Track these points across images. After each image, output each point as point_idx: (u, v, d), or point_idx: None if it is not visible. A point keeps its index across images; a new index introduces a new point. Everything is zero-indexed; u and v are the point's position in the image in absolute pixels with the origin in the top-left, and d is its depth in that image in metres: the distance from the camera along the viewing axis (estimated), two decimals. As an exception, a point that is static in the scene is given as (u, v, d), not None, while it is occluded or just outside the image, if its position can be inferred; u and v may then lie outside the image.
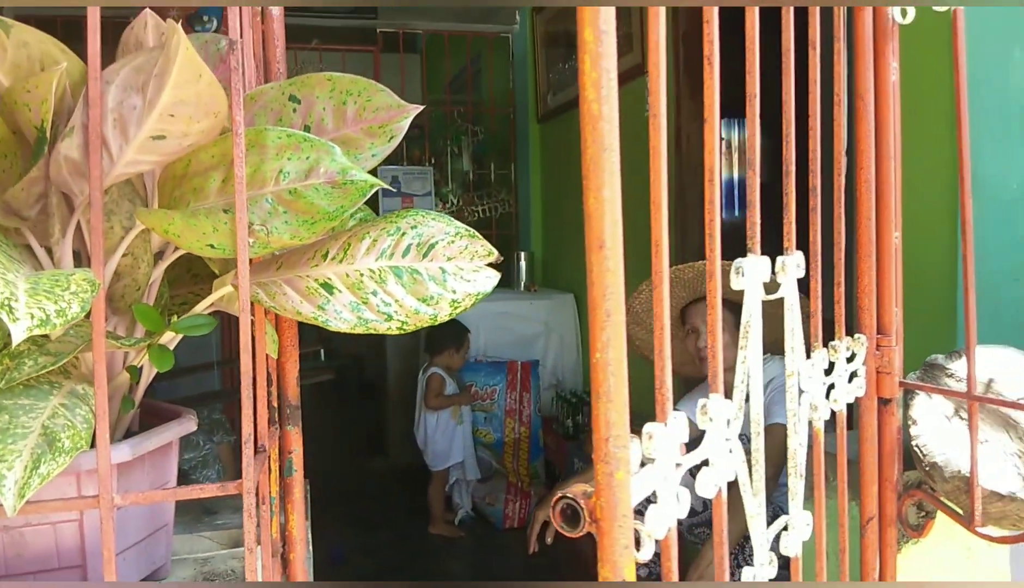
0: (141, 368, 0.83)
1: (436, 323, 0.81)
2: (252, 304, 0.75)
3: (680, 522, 2.12)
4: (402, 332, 0.79)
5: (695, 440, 2.08)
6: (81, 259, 0.81)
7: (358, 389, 5.42)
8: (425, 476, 3.56)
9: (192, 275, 0.95)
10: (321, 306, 0.76)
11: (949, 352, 1.24)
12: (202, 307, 0.81)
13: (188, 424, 0.86)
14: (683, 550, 2.61)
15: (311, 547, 1.07)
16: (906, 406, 1.18)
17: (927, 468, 1.11)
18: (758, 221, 0.81)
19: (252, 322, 0.72)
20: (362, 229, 0.82)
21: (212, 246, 0.74)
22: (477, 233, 0.85)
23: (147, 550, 0.85)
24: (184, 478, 2.84)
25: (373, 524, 3.35)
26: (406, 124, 0.89)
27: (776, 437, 2.14)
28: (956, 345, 1.65)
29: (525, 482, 3.37)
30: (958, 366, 1.20)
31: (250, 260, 0.74)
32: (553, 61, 4.02)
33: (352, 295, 0.78)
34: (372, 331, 0.77)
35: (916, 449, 1.13)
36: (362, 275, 0.79)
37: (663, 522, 0.62)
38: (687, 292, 2.29)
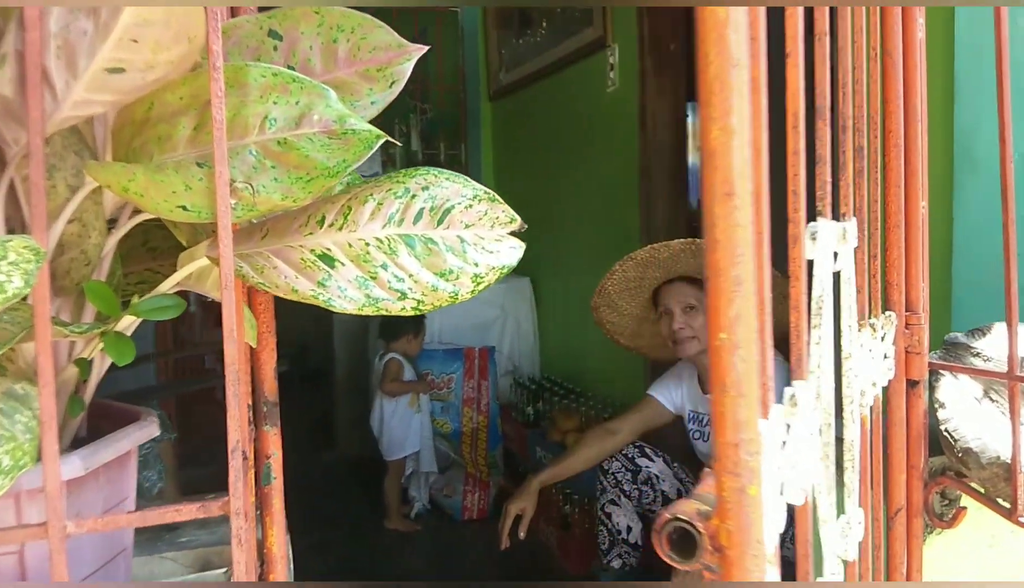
0: (91, 361, 0.68)
1: (456, 301, 0.68)
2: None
3: (652, 510, 2.00)
4: (416, 313, 0.66)
5: (665, 425, 1.96)
6: (15, 228, 0.66)
7: (302, 379, 5.20)
8: (378, 468, 3.41)
9: (149, 249, 0.80)
10: (322, 282, 0.63)
11: (970, 330, 1.17)
12: (169, 285, 0.67)
13: (149, 427, 0.72)
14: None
15: (292, 564, 0.93)
16: (931, 388, 1.10)
17: (959, 454, 1.04)
18: (830, 179, 0.71)
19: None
20: (363, 191, 0.68)
21: (184, 208, 0.60)
22: (497, 196, 0.73)
23: (104, 580, 0.71)
24: (120, 479, 2.63)
25: (324, 521, 3.19)
26: (409, 67, 0.76)
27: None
28: (951, 328, 1.60)
29: (484, 472, 3.26)
30: (982, 344, 1.13)
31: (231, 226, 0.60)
32: (506, 37, 3.88)
33: (357, 269, 0.64)
34: (383, 312, 0.64)
35: (946, 434, 1.06)
36: (367, 245, 0.65)
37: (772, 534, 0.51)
38: (661, 272, 2.20)
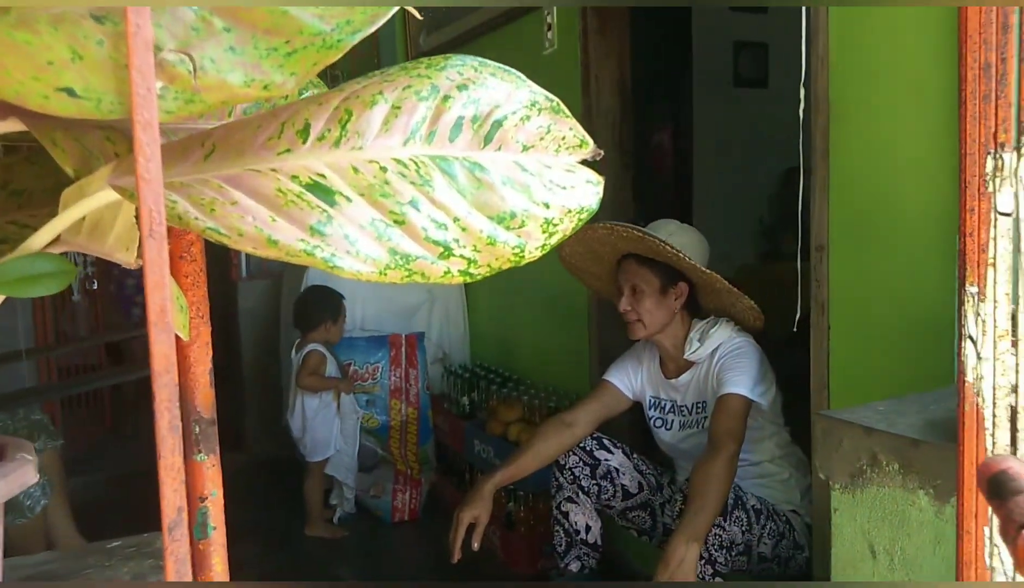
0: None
1: (521, 261, 0.44)
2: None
3: (612, 506, 1.77)
4: (468, 279, 0.41)
5: (624, 413, 1.74)
6: None
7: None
8: (295, 470, 3.09)
9: (11, 193, 0.52)
10: (317, 228, 0.37)
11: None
12: (44, 239, 0.40)
13: (21, 473, 0.44)
14: (617, 537, 2.36)
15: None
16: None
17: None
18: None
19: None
20: (368, 88, 0.43)
21: (70, 92, 0.34)
22: (562, 105, 0.49)
23: None
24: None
25: (236, 533, 2.85)
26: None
27: (734, 409, 1.91)
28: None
29: (415, 469, 3.00)
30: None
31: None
32: (426, -2, 3.60)
33: (373, 208, 0.39)
34: (417, 277, 0.39)
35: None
36: (385, 171, 0.40)
37: None
38: (608, 249, 2.01)
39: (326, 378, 2.82)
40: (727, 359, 1.92)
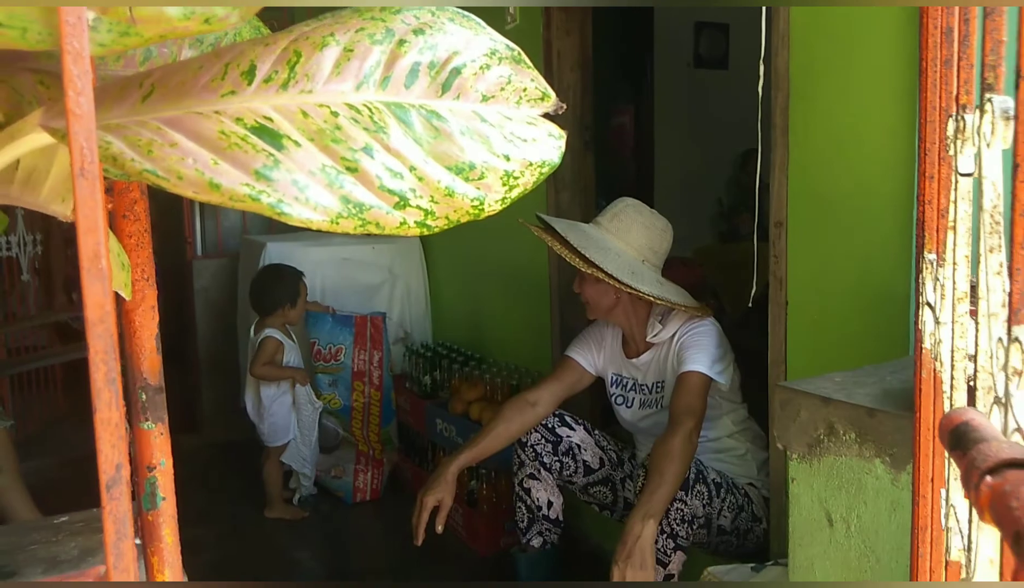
0: None
1: (480, 215, 0.42)
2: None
3: (573, 482, 1.78)
4: (425, 231, 0.40)
5: (585, 390, 1.74)
6: None
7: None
8: (249, 453, 3.06)
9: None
10: (262, 173, 0.35)
11: None
12: (-32, 183, 0.37)
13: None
14: (578, 513, 2.37)
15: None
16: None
17: None
18: None
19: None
20: (318, 30, 0.41)
21: (-11, 19, 0.31)
22: (523, 55, 0.47)
23: None
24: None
25: (194, 516, 2.81)
26: None
27: (694, 386, 1.93)
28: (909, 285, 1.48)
29: (377, 450, 2.98)
30: None
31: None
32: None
33: (324, 153, 0.37)
34: (370, 227, 0.38)
35: None
36: (336, 116, 0.38)
37: None
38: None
39: (281, 368, 2.77)
40: (687, 338, 1.93)
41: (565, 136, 0.47)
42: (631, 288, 1.85)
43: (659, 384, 2.03)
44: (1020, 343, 0.41)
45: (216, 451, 3.49)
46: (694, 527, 1.82)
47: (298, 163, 0.36)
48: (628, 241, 1.94)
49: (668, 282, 1.96)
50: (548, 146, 0.46)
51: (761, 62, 1.73)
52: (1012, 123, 0.43)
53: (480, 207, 0.41)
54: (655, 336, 1.99)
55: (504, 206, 0.43)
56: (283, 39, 0.40)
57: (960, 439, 0.36)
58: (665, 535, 1.75)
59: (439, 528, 1.85)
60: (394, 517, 2.77)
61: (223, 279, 3.70)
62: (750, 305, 1.84)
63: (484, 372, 2.69)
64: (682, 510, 1.78)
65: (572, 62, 2.55)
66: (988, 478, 0.31)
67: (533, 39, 2.58)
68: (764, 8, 1.76)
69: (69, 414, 3.92)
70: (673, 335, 1.97)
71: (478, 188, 0.41)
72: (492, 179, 0.42)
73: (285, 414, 2.79)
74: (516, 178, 0.43)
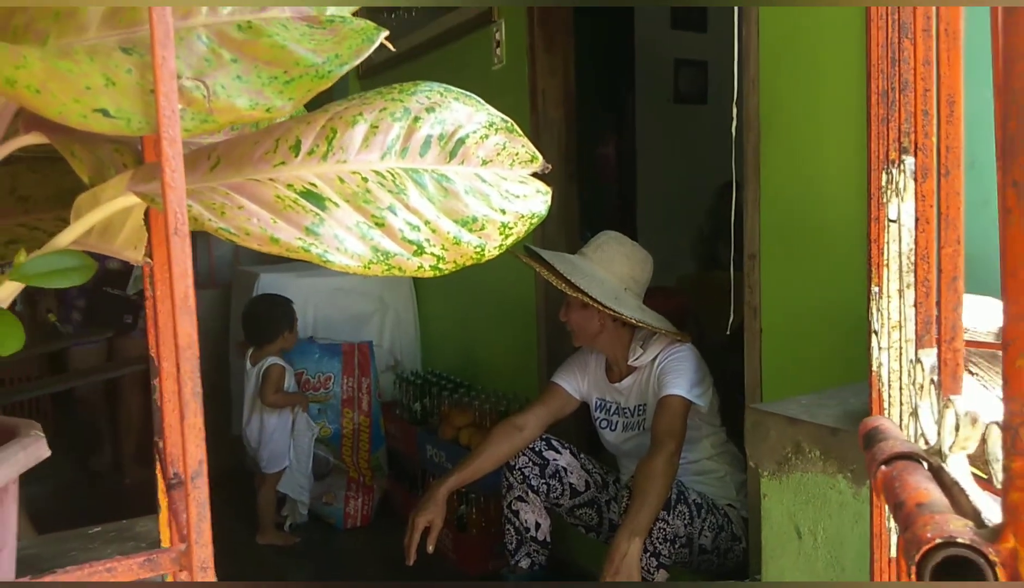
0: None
1: (482, 259, 0.51)
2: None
3: (560, 505, 1.86)
4: (437, 273, 0.49)
5: (571, 415, 1.83)
6: None
7: (144, 388, 4.70)
8: (240, 480, 3.10)
9: (18, 198, 0.57)
10: (311, 229, 0.44)
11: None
12: (70, 237, 0.46)
13: (35, 447, 0.50)
14: (565, 535, 2.43)
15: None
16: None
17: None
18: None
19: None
20: (347, 110, 0.50)
21: (105, 113, 0.40)
22: (515, 125, 0.57)
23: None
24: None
25: (187, 540, 2.85)
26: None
27: (674, 409, 2.02)
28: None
29: (367, 476, 3.03)
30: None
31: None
32: (376, 12, 3.65)
33: (357, 212, 0.46)
34: (395, 271, 0.46)
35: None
36: (366, 181, 0.47)
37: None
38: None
39: (290, 395, 2.84)
40: (667, 363, 2.02)
41: (551, 192, 0.57)
42: (615, 312, 1.94)
43: (641, 407, 2.12)
44: (923, 364, 0.51)
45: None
46: (676, 546, 1.89)
47: (338, 221, 0.45)
48: (611, 270, 2.04)
49: (648, 309, 2.06)
50: (537, 200, 0.55)
51: (734, 105, 1.84)
52: (913, 184, 0.53)
53: (482, 253, 0.50)
54: (636, 359, 2.08)
55: (501, 251, 0.52)
56: (321, 118, 0.49)
57: (868, 440, 0.45)
58: (648, 553, 1.83)
59: (430, 548, 1.92)
60: (384, 542, 2.83)
61: (215, 309, 3.76)
62: (727, 333, 1.93)
63: (473, 399, 2.77)
64: (664, 529, 1.86)
65: (556, 100, 2.66)
66: (883, 467, 0.40)
67: (519, 79, 2.69)
68: (736, 53, 1.88)
69: (59, 442, 3.94)
70: (654, 359, 2.06)
71: (480, 237, 0.50)
72: (491, 229, 0.51)
73: (285, 440, 2.85)
74: (511, 228, 0.52)
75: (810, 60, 1.73)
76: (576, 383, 2.22)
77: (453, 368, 3.26)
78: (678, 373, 2.00)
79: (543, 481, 2.12)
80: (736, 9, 1.90)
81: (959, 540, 0.29)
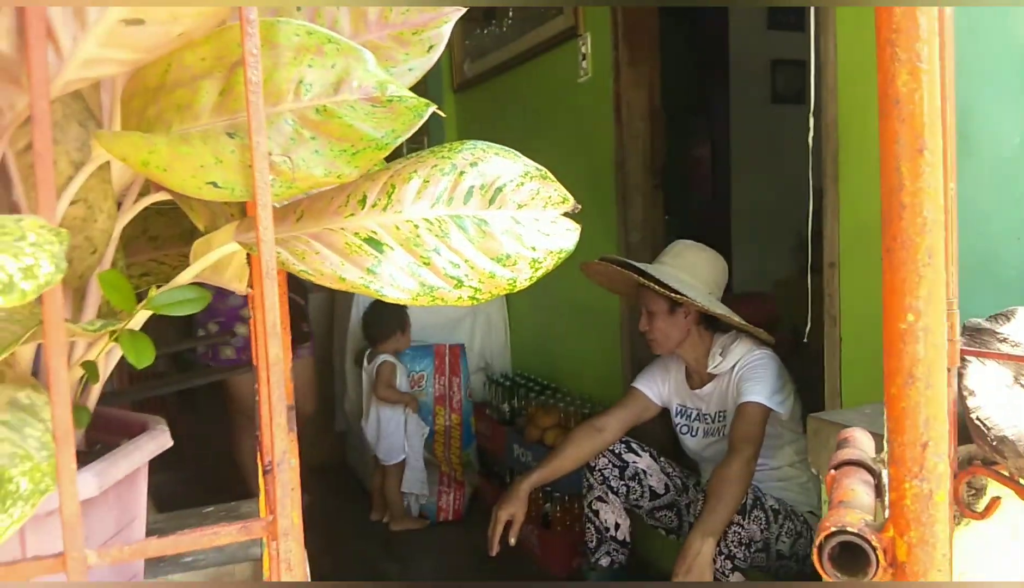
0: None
1: (514, 289, 0.61)
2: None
3: (640, 506, 1.94)
4: (474, 302, 0.59)
5: (653, 419, 1.90)
6: (3, 212, 0.57)
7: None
8: (346, 474, 3.31)
9: (150, 238, 0.71)
10: (371, 269, 0.55)
11: (992, 315, 1.15)
12: (190, 275, 0.58)
13: (161, 438, 0.63)
14: (645, 536, 2.50)
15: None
16: (958, 376, 1.07)
17: (994, 442, 1.01)
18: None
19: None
20: (405, 168, 0.61)
21: (215, 185, 0.52)
22: (548, 173, 0.66)
23: (111, 615, 0.62)
24: None
25: (318, 530, 3.07)
26: (446, 31, 0.69)
27: (752, 416, 2.05)
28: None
29: (458, 472, 3.18)
30: (1008, 330, 1.11)
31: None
32: (470, 27, 3.81)
33: (408, 254, 0.57)
34: (438, 302, 0.57)
35: (977, 422, 1.03)
36: (417, 227, 0.58)
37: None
38: (621, 282, 2.18)
39: (400, 392, 3.03)
40: (746, 370, 2.06)
41: (579, 228, 0.66)
42: (712, 312, 2.02)
43: (721, 414, 2.16)
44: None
45: (312, 475, 3.77)
46: (751, 550, 1.93)
47: (392, 262, 0.56)
48: (695, 275, 2.10)
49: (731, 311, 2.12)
50: (566, 237, 0.64)
51: (811, 116, 1.87)
52: None
53: (513, 285, 0.60)
54: (716, 367, 2.13)
55: (531, 283, 0.61)
56: (384, 175, 0.60)
57: (837, 446, 0.52)
58: (723, 556, 1.88)
59: (512, 540, 2.03)
60: (476, 536, 2.96)
61: (319, 317, 4.00)
62: (804, 340, 1.96)
63: (559, 401, 2.86)
64: (739, 533, 1.90)
65: (641, 113, 2.72)
66: (832, 471, 0.47)
67: (604, 91, 2.77)
68: (812, 64, 1.90)
69: (185, 435, 4.29)
70: (733, 366, 2.10)
71: (512, 271, 0.60)
72: (523, 265, 0.60)
73: (400, 433, 3.04)
74: (540, 262, 0.62)
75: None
76: (657, 388, 2.28)
77: (540, 371, 3.37)
78: (757, 380, 2.03)
79: (623, 482, 2.19)
80: (812, 12, 1.92)
81: (848, 529, 0.37)
